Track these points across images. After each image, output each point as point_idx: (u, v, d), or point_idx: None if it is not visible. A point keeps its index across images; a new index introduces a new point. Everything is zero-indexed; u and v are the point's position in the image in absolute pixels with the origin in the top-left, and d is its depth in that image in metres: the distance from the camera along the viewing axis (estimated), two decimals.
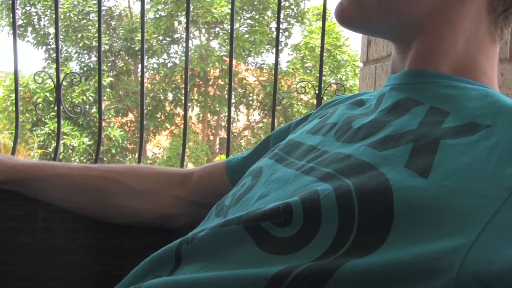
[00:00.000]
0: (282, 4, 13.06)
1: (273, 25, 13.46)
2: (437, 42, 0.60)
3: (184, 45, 13.65)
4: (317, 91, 1.92)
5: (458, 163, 0.46)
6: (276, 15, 1.97)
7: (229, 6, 12.10)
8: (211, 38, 13.50)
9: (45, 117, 11.08)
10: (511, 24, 0.63)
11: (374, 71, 1.69)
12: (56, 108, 1.90)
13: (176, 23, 13.33)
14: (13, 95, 10.93)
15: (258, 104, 13.80)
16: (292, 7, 13.49)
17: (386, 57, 1.59)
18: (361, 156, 0.52)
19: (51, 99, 10.86)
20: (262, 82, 13.40)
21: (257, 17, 13.21)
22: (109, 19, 13.50)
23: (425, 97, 0.57)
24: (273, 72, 2.03)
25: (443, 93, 0.57)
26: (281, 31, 13.14)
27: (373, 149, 0.52)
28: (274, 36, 13.01)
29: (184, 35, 13.34)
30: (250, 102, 13.88)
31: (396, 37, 0.65)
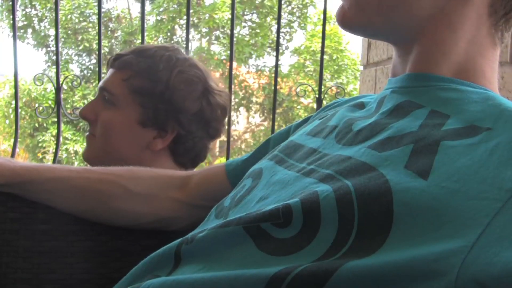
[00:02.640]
0: (286, 8, 13.05)
1: (275, 28, 13.43)
2: (438, 45, 0.60)
3: (184, 48, 13.67)
4: (317, 95, 1.93)
5: (458, 164, 0.46)
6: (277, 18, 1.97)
7: (230, 11, 12.14)
8: (212, 41, 13.51)
9: (47, 122, 11.07)
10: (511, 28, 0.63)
11: (374, 74, 1.69)
12: (56, 110, 1.90)
13: (177, 26, 13.34)
14: (14, 101, 10.94)
15: (258, 106, 13.78)
16: (295, 11, 13.47)
17: (386, 60, 1.59)
18: (361, 157, 0.52)
19: (53, 106, 10.84)
20: (262, 85, 13.38)
21: (258, 20, 13.21)
22: (107, 21, 13.48)
23: (425, 100, 0.57)
24: (274, 75, 2.03)
25: (443, 97, 0.57)
26: (282, 34, 13.15)
27: (373, 150, 0.52)
28: (275, 39, 12.98)
29: (184, 38, 13.36)
30: (250, 105, 13.86)
31: (397, 40, 0.65)
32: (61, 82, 1.85)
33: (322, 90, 1.93)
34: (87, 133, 1.15)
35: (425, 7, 0.59)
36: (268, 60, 13.54)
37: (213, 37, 13.41)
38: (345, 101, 0.76)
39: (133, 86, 1.10)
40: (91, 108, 1.12)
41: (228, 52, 12.89)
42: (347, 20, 0.62)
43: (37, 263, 0.88)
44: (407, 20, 0.60)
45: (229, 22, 12.22)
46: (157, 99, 1.10)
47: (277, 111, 12.33)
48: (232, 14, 1.85)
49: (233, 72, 1.94)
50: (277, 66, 1.99)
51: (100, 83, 1.14)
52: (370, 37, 1.31)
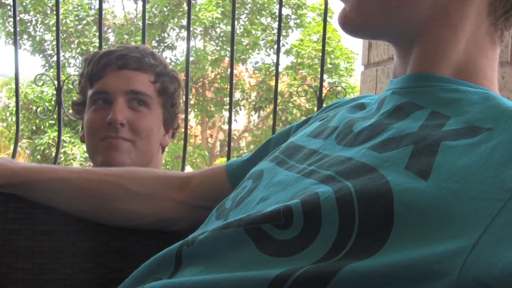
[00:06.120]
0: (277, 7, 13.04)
1: (272, 26, 13.40)
2: (439, 45, 0.60)
3: (177, 50, 13.77)
4: (318, 95, 1.93)
5: (458, 164, 0.46)
6: (274, 16, 1.97)
7: (218, 10, 12.06)
8: (205, 41, 13.48)
9: (45, 125, 11.07)
10: (511, 27, 0.63)
11: (375, 74, 1.69)
12: (57, 111, 1.90)
13: (168, 29, 13.34)
14: (12, 104, 10.95)
15: (252, 107, 13.74)
16: (291, 13, 13.45)
17: (387, 60, 1.60)
18: (361, 158, 0.52)
19: (50, 108, 10.79)
20: (257, 82, 13.31)
21: (252, 18, 13.16)
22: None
23: (426, 101, 0.57)
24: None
25: (444, 97, 0.57)
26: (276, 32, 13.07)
27: (373, 152, 0.52)
28: (268, 38, 12.99)
29: (176, 41, 13.41)
30: (244, 105, 13.82)
31: (398, 41, 0.64)
32: (61, 82, 1.85)
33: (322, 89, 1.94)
34: (117, 139, 1.11)
35: (426, 7, 0.59)
36: (258, 57, 13.48)
37: (206, 37, 13.38)
38: (345, 102, 0.76)
39: (160, 87, 1.16)
40: (121, 112, 1.10)
41: (221, 51, 12.86)
42: (349, 23, 0.62)
43: (38, 264, 0.88)
44: (408, 22, 0.60)
45: (218, 21, 12.25)
46: (173, 97, 1.18)
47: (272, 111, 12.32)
48: (233, 14, 1.85)
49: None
50: (277, 66, 2.00)
51: (128, 86, 1.12)
52: (371, 39, 1.31)
